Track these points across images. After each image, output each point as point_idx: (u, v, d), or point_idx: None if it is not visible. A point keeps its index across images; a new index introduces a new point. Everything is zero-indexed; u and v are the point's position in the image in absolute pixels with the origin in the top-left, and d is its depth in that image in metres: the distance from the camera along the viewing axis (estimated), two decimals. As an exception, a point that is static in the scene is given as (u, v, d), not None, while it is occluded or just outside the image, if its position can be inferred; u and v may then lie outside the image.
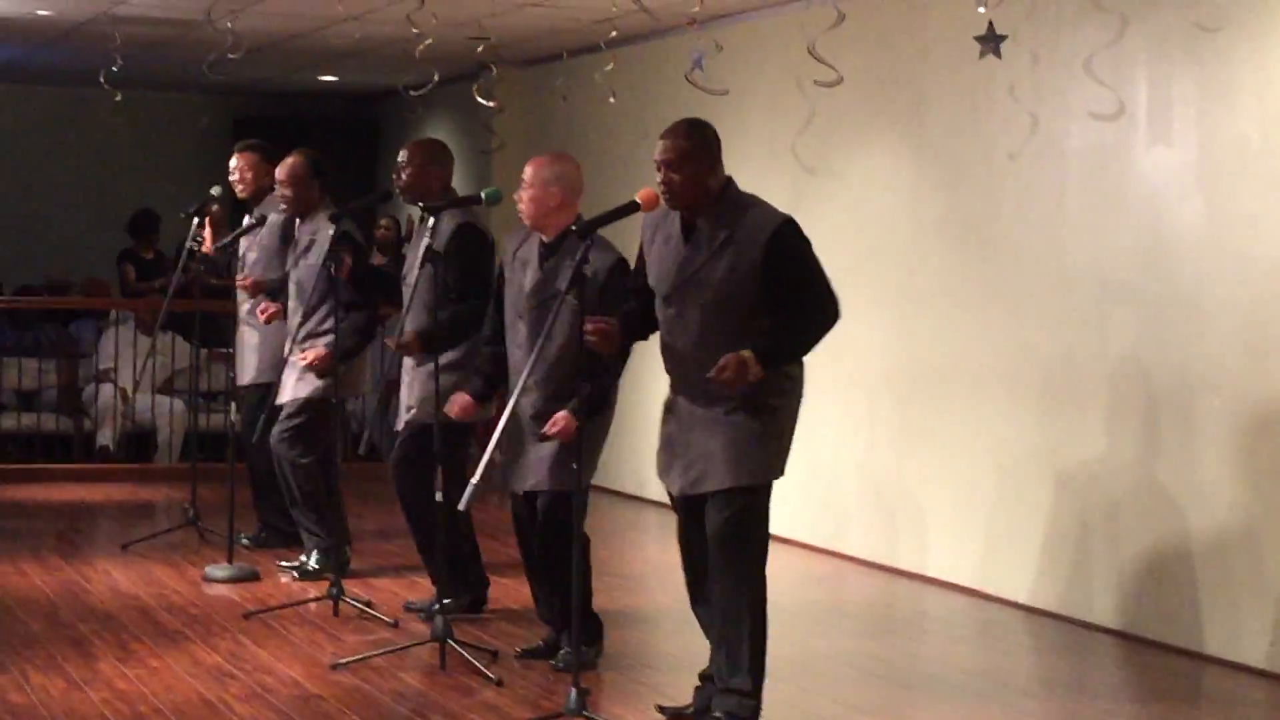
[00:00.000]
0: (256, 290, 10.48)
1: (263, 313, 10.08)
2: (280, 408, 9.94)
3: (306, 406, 9.87)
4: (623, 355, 7.49)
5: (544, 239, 7.83)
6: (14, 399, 15.00)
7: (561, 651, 7.89)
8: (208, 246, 10.94)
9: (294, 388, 9.87)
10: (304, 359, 9.71)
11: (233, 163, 10.85)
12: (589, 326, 6.89)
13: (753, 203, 6.90)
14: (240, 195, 10.87)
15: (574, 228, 7.23)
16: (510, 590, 9.18)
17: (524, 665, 8.01)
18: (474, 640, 8.19)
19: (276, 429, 9.90)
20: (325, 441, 9.92)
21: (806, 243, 6.84)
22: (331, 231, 9.10)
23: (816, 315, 6.79)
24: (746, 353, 6.63)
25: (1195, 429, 8.68)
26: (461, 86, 13.83)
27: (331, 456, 9.91)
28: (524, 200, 7.83)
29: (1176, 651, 8.69)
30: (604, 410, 7.74)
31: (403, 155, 8.95)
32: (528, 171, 7.85)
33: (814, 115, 10.51)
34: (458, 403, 8.09)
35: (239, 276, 10.58)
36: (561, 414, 7.54)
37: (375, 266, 9.36)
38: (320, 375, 9.74)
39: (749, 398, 6.77)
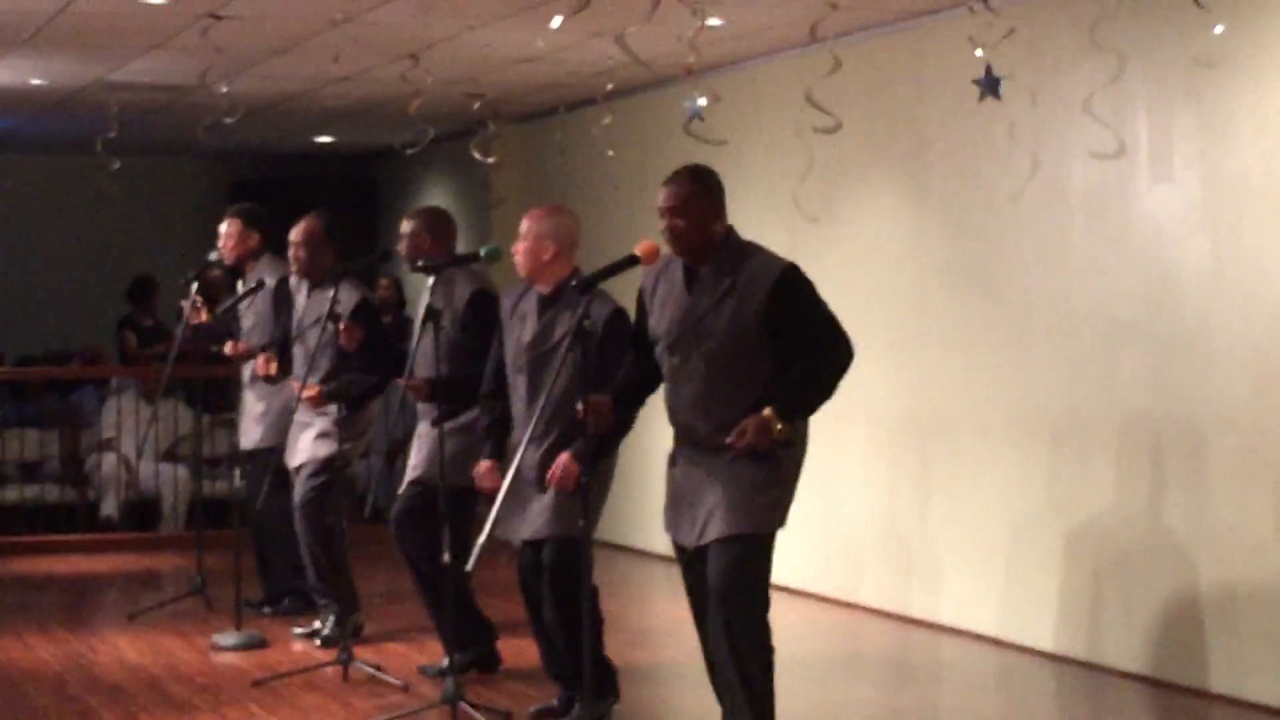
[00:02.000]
0: (245, 358, 10.45)
1: (262, 369, 10.00)
2: (288, 471, 9.87)
3: (327, 466, 9.65)
4: (624, 422, 7.38)
5: (541, 292, 7.84)
6: (16, 471, 14.93)
7: (576, 708, 7.79)
8: (201, 317, 10.83)
9: (311, 448, 9.71)
10: (306, 394, 9.36)
11: (220, 228, 10.81)
12: (580, 406, 6.86)
13: (755, 250, 6.86)
14: (225, 262, 10.83)
15: (573, 283, 7.20)
16: (522, 650, 9.09)
17: (537, 726, 7.93)
18: (485, 701, 8.11)
19: (301, 492, 9.73)
20: (343, 503, 9.81)
21: (810, 286, 6.78)
22: (339, 294, 9.09)
23: (831, 359, 6.73)
24: (767, 411, 6.57)
25: (1207, 468, 8.60)
26: (459, 143, 13.82)
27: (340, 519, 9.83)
28: (519, 253, 7.88)
29: (1200, 695, 8.59)
30: (605, 457, 7.67)
31: (405, 225, 8.99)
32: (523, 224, 7.90)
33: (814, 162, 10.47)
34: (485, 476, 7.95)
35: (228, 346, 10.53)
36: (564, 456, 7.46)
37: (388, 341, 9.34)
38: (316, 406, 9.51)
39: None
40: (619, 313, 7.60)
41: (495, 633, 9.09)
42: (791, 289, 6.72)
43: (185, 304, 10.89)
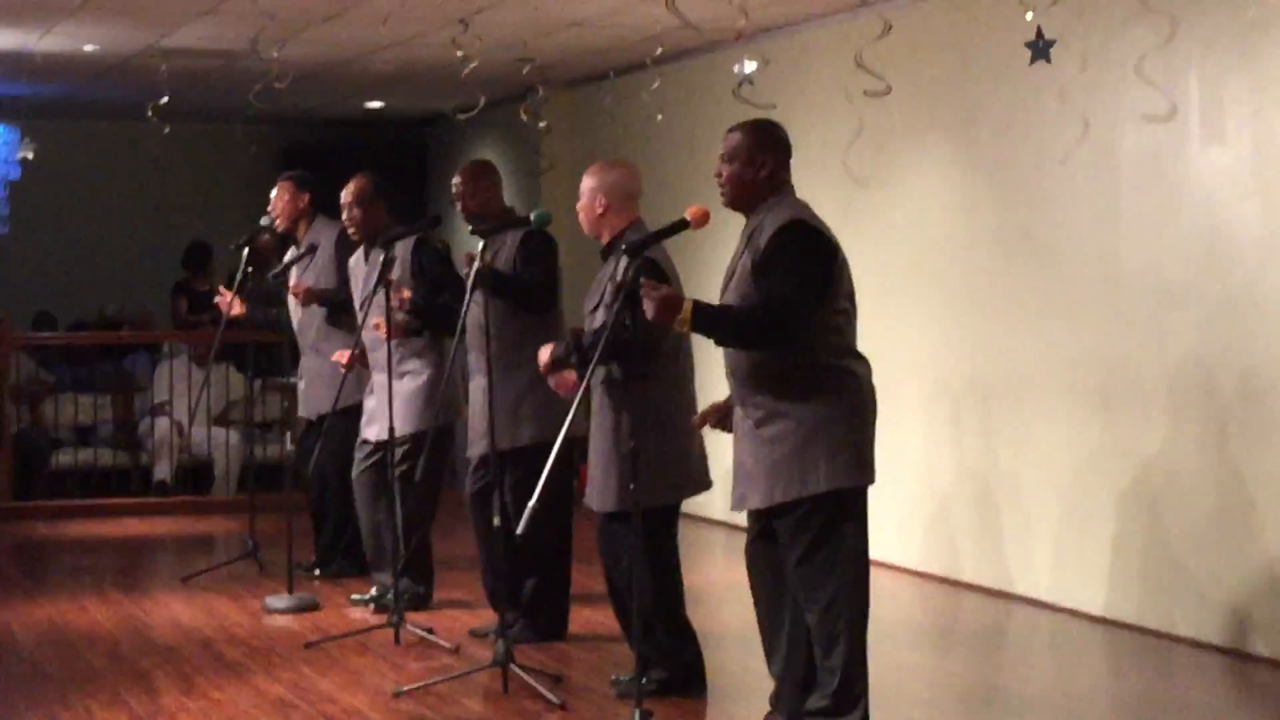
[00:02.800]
0: (308, 299, 10.35)
1: (343, 362, 9.54)
2: (344, 433, 9.87)
3: (420, 438, 9.38)
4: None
5: (602, 245, 7.93)
6: (71, 434, 15.04)
7: (615, 679, 7.84)
8: (237, 310, 10.78)
9: (405, 421, 9.41)
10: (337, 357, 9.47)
11: (271, 195, 10.80)
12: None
13: (787, 205, 6.73)
14: (277, 227, 10.80)
15: (623, 246, 7.19)
16: (572, 613, 9.10)
17: (586, 690, 7.93)
18: (537, 665, 8.14)
19: (402, 467, 9.39)
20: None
21: (799, 247, 6.56)
22: (394, 251, 9.08)
23: (759, 316, 6.52)
24: (690, 301, 6.49)
25: (1262, 430, 8.56)
26: (508, 108, 13.82)
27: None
28: (579, 212, 7.94)
29: (1264, 662, 8.56)
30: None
31: (456, 183, 9.03)
32: (582, 183, 7.94)
33: (863, 126, 10.44)
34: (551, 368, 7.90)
35: (292, 283, 10.45)
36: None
37: (439, 302, 9.27)
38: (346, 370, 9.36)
39: (772, 409, 6.62)
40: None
41: (563, 630, 9.01)
42: (779, 241, 6.56)
43: (220, 300, 10.83)
